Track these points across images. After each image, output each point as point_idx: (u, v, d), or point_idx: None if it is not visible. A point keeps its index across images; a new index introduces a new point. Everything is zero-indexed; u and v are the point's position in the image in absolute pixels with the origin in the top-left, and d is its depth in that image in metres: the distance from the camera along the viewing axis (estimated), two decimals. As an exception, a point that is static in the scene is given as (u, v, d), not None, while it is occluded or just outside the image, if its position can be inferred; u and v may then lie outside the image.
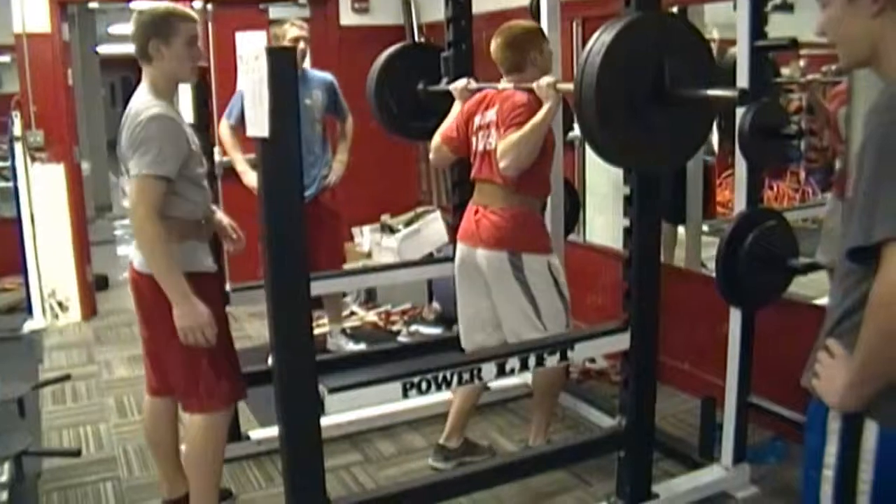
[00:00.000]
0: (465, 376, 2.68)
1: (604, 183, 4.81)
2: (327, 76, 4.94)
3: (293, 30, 4.69)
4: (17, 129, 5.80)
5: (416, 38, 6.47)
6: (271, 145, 2.19)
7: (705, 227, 4.61)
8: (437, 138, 3.49)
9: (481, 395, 3.74)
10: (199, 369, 2.84)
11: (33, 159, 5.87)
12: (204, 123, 3.54)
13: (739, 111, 2.99)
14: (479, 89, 3.45)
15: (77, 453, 3.56)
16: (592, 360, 4.59)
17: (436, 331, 5.32)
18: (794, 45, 3.00)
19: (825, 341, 1.71)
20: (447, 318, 4.54)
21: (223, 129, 4.75)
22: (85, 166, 6.65)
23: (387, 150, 5.68)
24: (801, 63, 4.77)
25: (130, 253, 2.94)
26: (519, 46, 3.28)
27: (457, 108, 3.50)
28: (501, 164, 3.08)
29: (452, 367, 2.67)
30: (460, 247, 3.41)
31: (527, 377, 4.22)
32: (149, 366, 3.12)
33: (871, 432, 1.61)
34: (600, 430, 3.64)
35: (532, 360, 2.78)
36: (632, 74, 2.41)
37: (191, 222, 2.85)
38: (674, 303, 3.45)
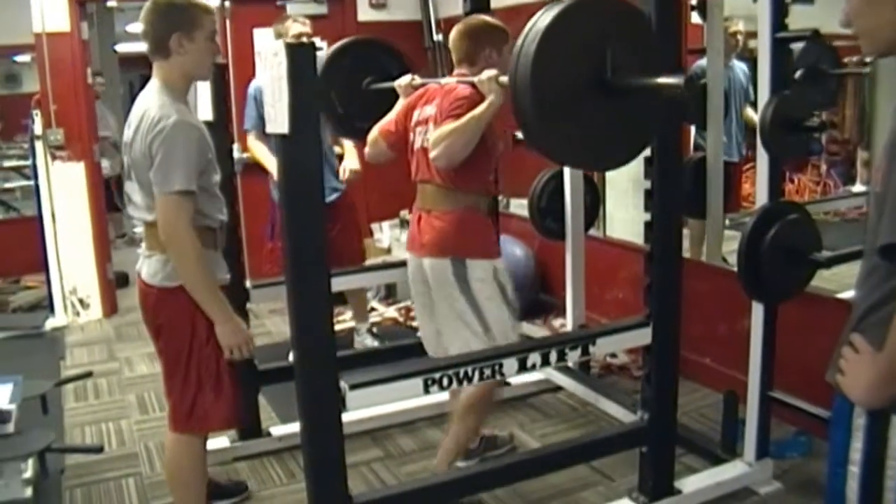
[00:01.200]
0: (487, 372, 2.67)
1: (624, 177, 4.79)
2: None
3: (296, 26, 4.56)
4: (37, 128, 5.83)
5: (434, 34, 6.46)
6: (291, 142, 2.18)
7: (727, 221, 4.57)
8: (374, 131, 3.33)
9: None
10: (201, 390, 2.77)
11: (54, 158, 5.91)
12: (223, 122, 3.54)
13: (761, 103, 2.97)
14: (423, 84, 3.30)
15: (99, 450, 3.58)
16: (614, 355, 4.58)
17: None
18: (816, 36, 2.97)
19: (850, 336, 1.69)
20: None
21: (251, 143, 4.67)
22: (105, 164, 6.69)
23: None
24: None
25: (138, 265, 2.82)
26: (476, 38, 3.15)
27: (400, 104, 3.34)
28: (431, 154, 2.95)
29: (473, 363, 2.66)
30: (408, 257, 3.28)
31: (549, 372, 4.23)
32: (167, 386, 3.01)
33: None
34: (622, 426, 3.62)
35: (553, 356, 2.77)
36: (570, 63, 2.26)
37: (207, 233, 2.71)
38: (695, 297, 3.44)
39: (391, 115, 3.31)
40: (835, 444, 1.76)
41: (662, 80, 2.24)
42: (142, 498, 3.49)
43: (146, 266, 2.76)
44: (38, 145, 5.87)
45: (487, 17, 3.33)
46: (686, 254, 3.86)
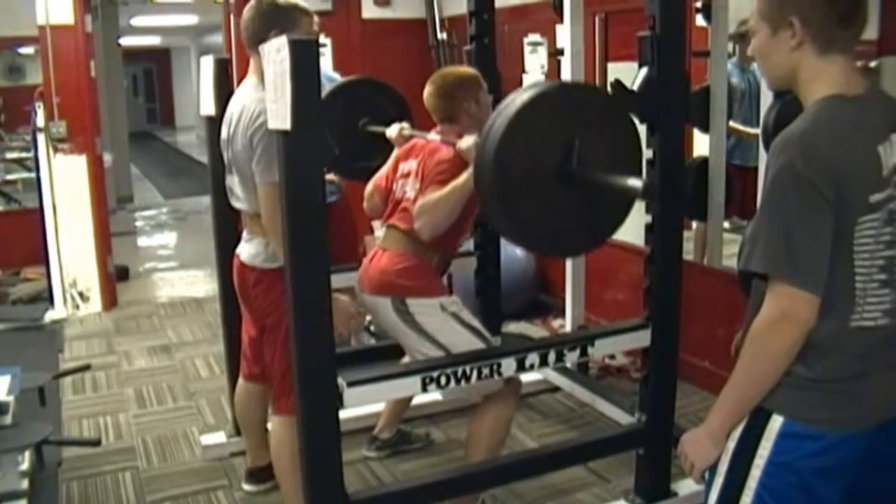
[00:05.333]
0: (485, 371, 2.68)
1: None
2: (336, 77, 4.86)
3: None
4: (40, 120, 5.83)
5: (438, 32, 6.46)
6: (293, 138, 2.18)
7: (727, 225, 4.57)
8: (369, 186, 3.34)
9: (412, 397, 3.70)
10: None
11: (56, 150, 5.91)
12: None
13: (763, 106, 2.97)
14: (412, 136, 3.31)
15: (97, 443, 3.55)
16: (612, 357, 4.57)
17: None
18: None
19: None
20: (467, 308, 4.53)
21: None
22: (107, 158, 6.69)
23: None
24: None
25: (239, 247, 3.02)
26: (451, 95, 3.14)
27: (394, 155, 3.35)
28: (416, 224, 2.92)
29: (472, 362, 2.67)
30: (358, 294, 3.21)
31: (547, 372, 4.23)
32: (248, 353, 3.19)
33: (776, 421, 1.77)
34: (619, 427, 3.62)
35: (552, 356, 2.78)
36: (536, 152, 2.28)
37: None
38: (695, 300, 3.43)
39: (383, 171, 3.32)
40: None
41: (623, 180, 2.27)
42: (138, 491, 3.50)
43: (246, 249, 2.96)
44: (41, 137, 5.87)
45: (456, 70, 3.35)
46: (689, 256, 3.87)
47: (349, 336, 3.01)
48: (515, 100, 2.30)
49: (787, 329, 1.71)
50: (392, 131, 3.41)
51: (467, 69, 3.36)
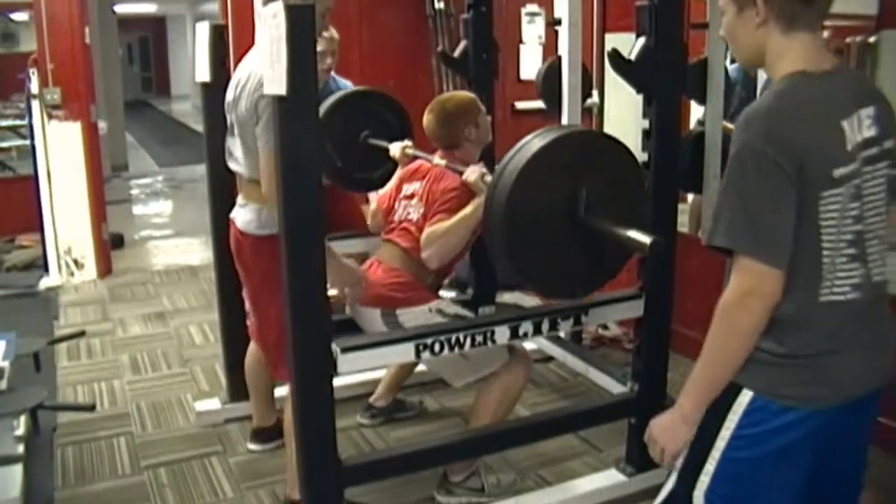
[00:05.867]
0: (479, 338, 2.69)
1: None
2: (348, 84, 4.82)
3: (320, 41, 4.50)
4: (34, 87, 5.81)
5: (436, 2, 6.41)
6: (289, 102, 2.17)
7: (722, 197, 4.57)
8: (373, 206, 3.40)
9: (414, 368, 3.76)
10: (283, 334, 2.83)
11: (50, 117, 5.88)
12: (221, 84, 3.52)
13: (760, 80, 2.96)
14: (416, 157, 3.35)
15: (91, 408, 3.60)
16: (605, 327, 4.60)
17: (449, 294, 5.31)
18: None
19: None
20: (461, 282, 4.53)
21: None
22: (101, 125, 6.67)
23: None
24: (825, 34, 4.70)
25: (233, 212, 3.01)
26: (452, 123, 3.19)
27: (397, 175, 3.40)
28: (425, 254, 2.98)
29: (465, 329, 2.68)
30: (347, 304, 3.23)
31: (540, 342, 4.25)
32: (252, 318, 3.19)
33: (746, 395, 1.82)
34: (611, 397, 3.64)
35: (546, 325, 2.79)
36: (544, 199, 2.32)
37: None
38: (688, 272, 3.44)
39: (385, 190, 3.37)
40: None
41: (631, 233, 2.29)
42: (133, 457, 3.52)
43: (241, 215, 2.95)
44: (35, 105, 5.85)
45: (454, 97, 3.37)
46: (683, 229, 3.87)
47: (351, 301, 3.03)
48: (527, 145, 2.34)
49: (754, 304, 1.74)
50: (395, 150, 3.46)
51: (465, 95, 3.40)
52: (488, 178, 2.84)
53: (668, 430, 1.92)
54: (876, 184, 1.79)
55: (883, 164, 1.80)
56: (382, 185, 3.48)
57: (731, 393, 1.83)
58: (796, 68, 1.77)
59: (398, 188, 3.31)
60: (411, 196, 3.21)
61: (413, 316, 3.03)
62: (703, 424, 1.87)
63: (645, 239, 2.25)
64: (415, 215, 3.14)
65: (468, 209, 2.94)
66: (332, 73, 4.66)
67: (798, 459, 1.86)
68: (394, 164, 3.49)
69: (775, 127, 1.70)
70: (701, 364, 1.86)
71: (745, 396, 1.82)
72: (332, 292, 3.19)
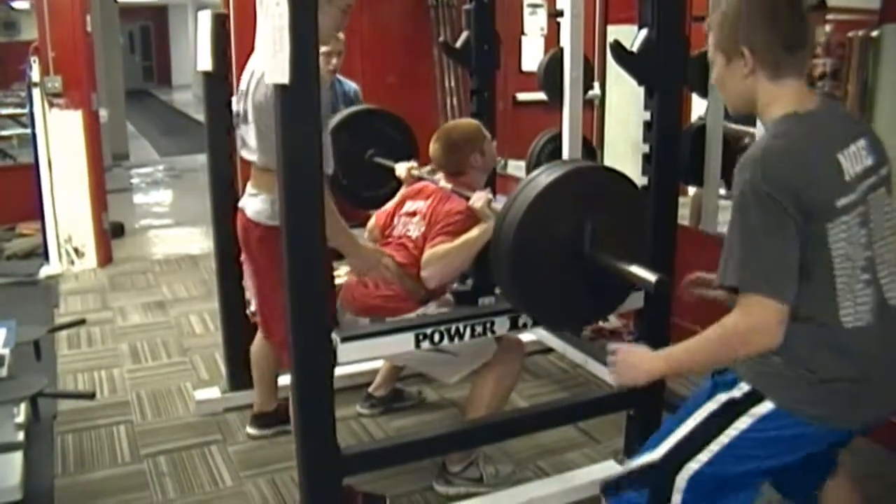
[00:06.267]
0: (478, 329, 2.69)
1: (622, 141, 4.78)
2: (353, 86, 4.82)
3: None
4: (35, 75, 5.80)
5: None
6: (291, 92, 2.17)
7: (722, 191, 4.58)
8: (372, 221, 3.39)
9: None
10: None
11: (51, 105, 5.88)
12: (222, 73, 3.53)
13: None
14: (420, 178, 3.38)
15: (91, 396, 3.61)
16: (605, 319, 4.59)
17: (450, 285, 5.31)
18: (822, 6, 2.95)
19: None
20: (461, 273, 4.54)
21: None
22: (103, 114, 6.66)
23: (404, 105, 5.66)
24: (827, 28, 4.70)
25: (242, 201, 3.02)
26: (458, 150, 3.23)
27: (403, 191, 3.42)
28: (424, 273, 2.98)
29: (465, 320, 2.68)
30: (339, 309, 3.21)
31: (540, 333, 4.25)
32: (259, 310, 3.21)
33: (766, 406, 1.88)
34: (610, 389, 3.63)
35: (545, 315, 2.78)
36: (551, 234, 2.36)
37: None
38: (689, 265, 3.44)
39: (388, 206, 3.37)
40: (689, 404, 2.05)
41: (636, 270, 2.32)
42: (132, 445, 3.52)
43: (251, 204, 2.96)
44: (36, 93, 5.84)
45: (459, 125, 3.42)
46: (684, 221, 3.87)
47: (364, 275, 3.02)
48: (536, 179, 2.38)
49: (757, 340, 1.83)
50: (401, 170, 3.50)
51: (470, 122, 3.45)
52: (495, 205, 2.91)
53: (631, 369, 2.08)
54: (879, 210, 1.88)
55: (882, 191, 1.89)
56: (387, 203, 3.48)
57: (751, 399, 1.90)
58: (787, 111, 1.88)
59: (400, 205, 3.32)
60: (413, 214, 3.22)
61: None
62: (711, 415, 1.94)
63: (650, 277, 2.30)
64: (415, 233, 3.15)
65: (473, 233, 2.97)
66: (338, 75, 4.67)
67: (794, 457, 1.94)
68: (399, 183, 3.53)
69: (771, 167, 1.78)
70: (690, 353, 1.96)
71: (765, 407, 1.88)
72: (339, 280, 3.22)
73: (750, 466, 1.92)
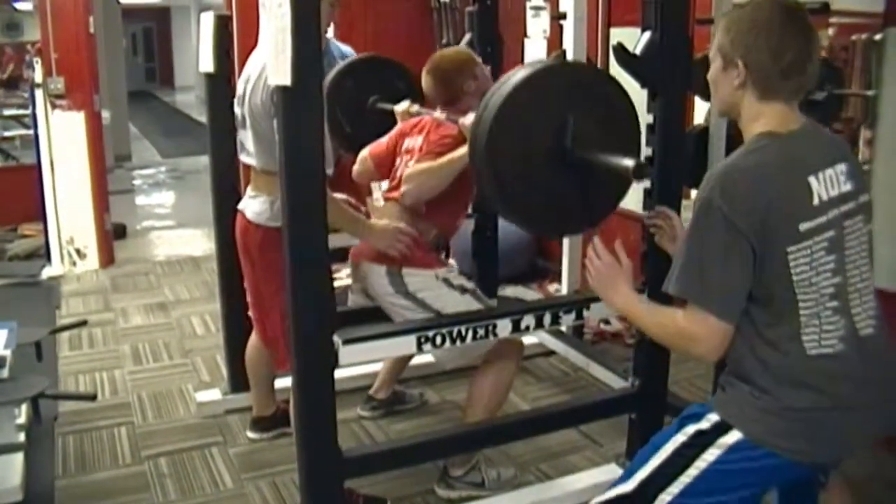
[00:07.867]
0: (480, 332, 2.68)
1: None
2: (348, 50, 4.82)
3: None
4: (38, 77, 5.80)
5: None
6: (294, 93, 2.17)
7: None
8: (364, 151, 3.33)
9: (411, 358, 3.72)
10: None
11: (54, 107, 5.88)
12: (225, 74, 3.53)
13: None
14: (419, 113, 3.34)
15: (93, 398, 3.56)
16: (607, 322, 4.59)
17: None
18: (825, 9, 2.94)
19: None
20: (463, 275, 4.53)
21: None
22: (105, 115, 6.66)
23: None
24: (830, 31, 4.69)
25: (242, 203, 3.06)
26: (449, 80, 3.14)
27: (397, 128, 3.36)
28: (402, 188, 2.97)
29: (467, 322, 2.68)
30: (351, 265, 3.19)
31: (542, 336, 4.25)
32: (253, 311, 3.21)
33: (734, 436, 1.87)
34: (612, 392, 3.65)
35: (548, 318, 2.78)
36: (529, 132, 2.29)
37: None
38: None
39: (384, 139, 3.31)
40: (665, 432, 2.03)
41: (615, 159, 2.30)
42: (133, 446, 3.52)
43: (251, 206, 2.99)
44: (39, 94, 5.84)
45: (448, 53, 3.35)
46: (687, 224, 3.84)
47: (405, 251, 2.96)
48: (509, 79, 2.31)
49: (696, 349, 1.88)
50: (400, 108, 3.47)
51: (458, 50, 3.42)
52: None
53: (609, 287, 2.17)
54: (855, 237, 1.87)
55: (859, 218, 1.88)
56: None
57: (719, 430, 1.89)
58: (767, 129, 1.89)
59: (397, 139, 3.25)
60: (411, 151, 3.16)
61: (419, 279, 2.96)
62: (682, 446, 1.93)
63: (629, 162, 2.26)
64: None
65: (457, 152, 2.87)
66: (333, 38, 4.65)
67: (767, 486, 1.97)
68: None
69: (732, 186, 1.80)
70: (647, 318, 2.06)
71: (733, 437, 1.87)
72: (339, 284, 3.21)
73: (721, 499, 1.90)
